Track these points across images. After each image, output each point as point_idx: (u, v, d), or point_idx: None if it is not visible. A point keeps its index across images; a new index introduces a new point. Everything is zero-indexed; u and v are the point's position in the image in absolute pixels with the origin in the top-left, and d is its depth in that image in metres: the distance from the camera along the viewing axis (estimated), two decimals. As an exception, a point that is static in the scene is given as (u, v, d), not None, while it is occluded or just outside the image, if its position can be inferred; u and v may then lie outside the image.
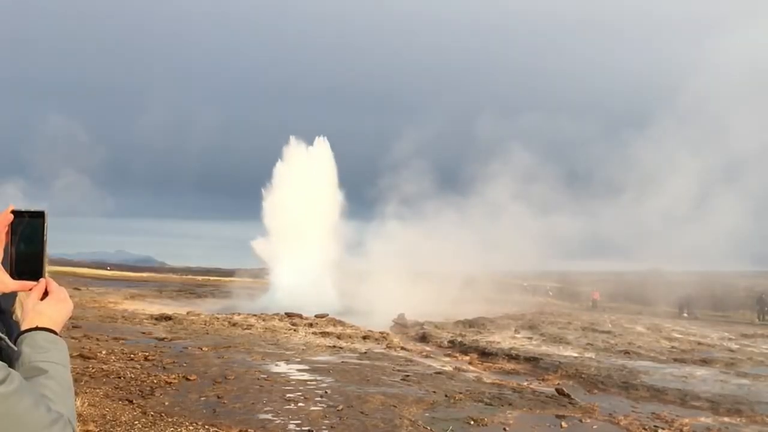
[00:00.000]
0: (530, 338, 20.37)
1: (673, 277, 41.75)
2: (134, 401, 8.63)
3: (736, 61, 53.39)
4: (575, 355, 17.12)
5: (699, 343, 20.72)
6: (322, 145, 47.00)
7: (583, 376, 14.12)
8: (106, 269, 70.92)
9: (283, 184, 44.32)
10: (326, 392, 9.90)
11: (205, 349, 13.85)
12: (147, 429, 7.39)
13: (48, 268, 1.50)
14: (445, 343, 19.07)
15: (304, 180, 43.51)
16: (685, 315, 37.00)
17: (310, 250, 39.20)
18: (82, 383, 9.31)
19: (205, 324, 19.33)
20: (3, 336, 1.38)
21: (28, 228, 1.46)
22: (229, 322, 19.76)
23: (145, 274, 65.92)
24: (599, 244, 48.98)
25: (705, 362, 16.69)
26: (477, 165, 44.48)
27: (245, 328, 18.69)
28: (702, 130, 44.75)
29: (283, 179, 44.57)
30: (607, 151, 51.14)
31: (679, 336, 22.67)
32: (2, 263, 1.46)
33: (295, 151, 46.32)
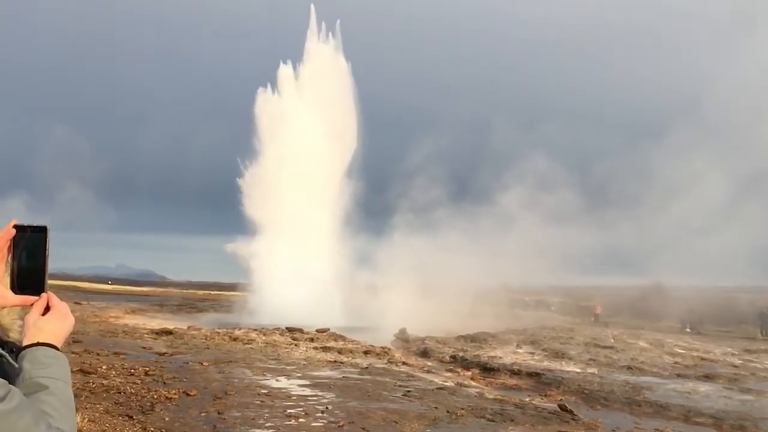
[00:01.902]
0: (532, 353, 20.27)
1: (676, 291, 41.57)
2: (134, 417, 8.58)
3: (755, 74, 52.97)
4: (578, 370, 17.04)
5: (702, 359, 20.62)
6: (331, 48, 32.42)
7: (585, 391, 14.04)
8: (107, 283, 70.90)
9: (273, 137, 31.26)
10: (327, 408, 9.84)
11: (205, 364, 13.79)
12: (147, 445, 7.34)
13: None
14: (447, 358, 18.99)
15: (304, 126, 30.67)
16: (688, 330, 36.81)
17: (312, 251, 31.19)
18: (83, 398, 9.26)
19: (205, 339, 19.28)
20: (4, 353, 1.37)
21: (30, 243, 1.46)
22: (230, 337, 19.70)
23: (146, 289, 65.84)
24: (610, 259, 48.43)
25: (708, 378, 16.60)
26: (487, 177, 42.59)
27: (246, 343, 18.62)
28: (719, 143, 44.42)
29: (274, 128, 31.36)
30: (621, 163, 50.45)
31: (682, 351, 22.56)
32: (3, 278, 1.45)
33: (288, 77, 32.26)
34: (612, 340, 24.94)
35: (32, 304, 1.47)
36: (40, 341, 1.41)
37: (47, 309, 1.47)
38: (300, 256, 31.74)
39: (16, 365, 1.37)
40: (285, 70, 33.72)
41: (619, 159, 50.63)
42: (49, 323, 1.44)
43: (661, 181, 45.69)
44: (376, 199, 39.06)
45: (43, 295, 1.47)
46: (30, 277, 1.46)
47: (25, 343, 1.41)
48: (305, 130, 31.70)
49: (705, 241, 42.61)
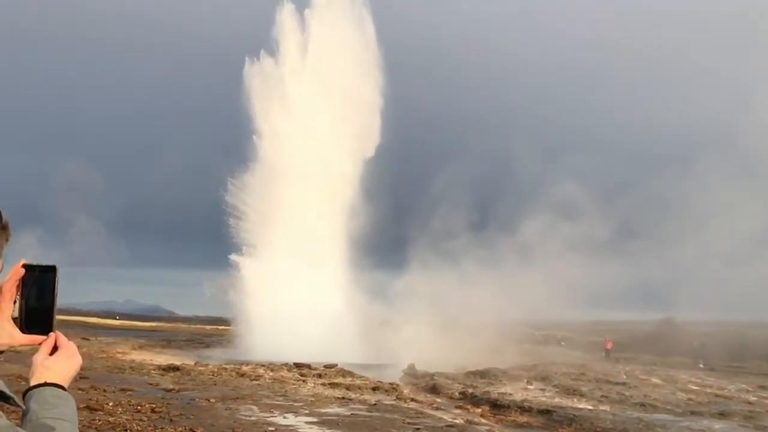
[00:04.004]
0: (543, 390, 19.99)
1: (689, 327, 40.97)
2: (140, 455, 8.48)
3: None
4: (590, 407, 16.77)
5: (716, 395, 20.27)
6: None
7: (598, 429, 13.79)
8: (115, 319, 70.79)
9: (268, 120, 24.00)
10: (335, 446, 9.71)
11: (212, 400, 13.69)
12: (152, 484, 7.24)
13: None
14: (456, 394, 18.74)
15: (310, 99, 23.26)
16: (701, 366, 36.26)
17: (319, 279, 26.82)
18: (88, 436, 9.18)
19: (213, 375, 19.16)
20: (12, 395, 1.37)
21: (39, 282, 1.47)
22: (238, 373, 19.58)
23: (153, 324, 65.67)
24: (633, 293, 47.17)
25: (723, 415, 16.29)
26: (505, 212, 41.28)
27: (253, 379, 18.50)
28: (746, 174, 43.70)
29: (267, 108, 23.92)
30: (645, 194, 48.88)
31: (696, 388, 22.19)
32: (12, 317, 1.46)
33: (289, 26, 24.10)
34: (624, 377, 24.58)
35: (40, 344, 1.47)
36: (48, 381, 1.41)
37: (55, 348, 1.47)
38: (303, 283, 28.06)
39: (23, 406, 1.37)
40: (285, 12, 25.40)
41: (642, 190, 48.98)
42: (56, 363, 1.44)
43: (685, 214, 44.71)
44: (390, 227, 36.75)
45: (51, 334, 1.47)
46: (38, 316, 1.47)
47: (32, 383, 1.41)
48: (310, 104, 24.29)
49: (728, 276, 41.77)
